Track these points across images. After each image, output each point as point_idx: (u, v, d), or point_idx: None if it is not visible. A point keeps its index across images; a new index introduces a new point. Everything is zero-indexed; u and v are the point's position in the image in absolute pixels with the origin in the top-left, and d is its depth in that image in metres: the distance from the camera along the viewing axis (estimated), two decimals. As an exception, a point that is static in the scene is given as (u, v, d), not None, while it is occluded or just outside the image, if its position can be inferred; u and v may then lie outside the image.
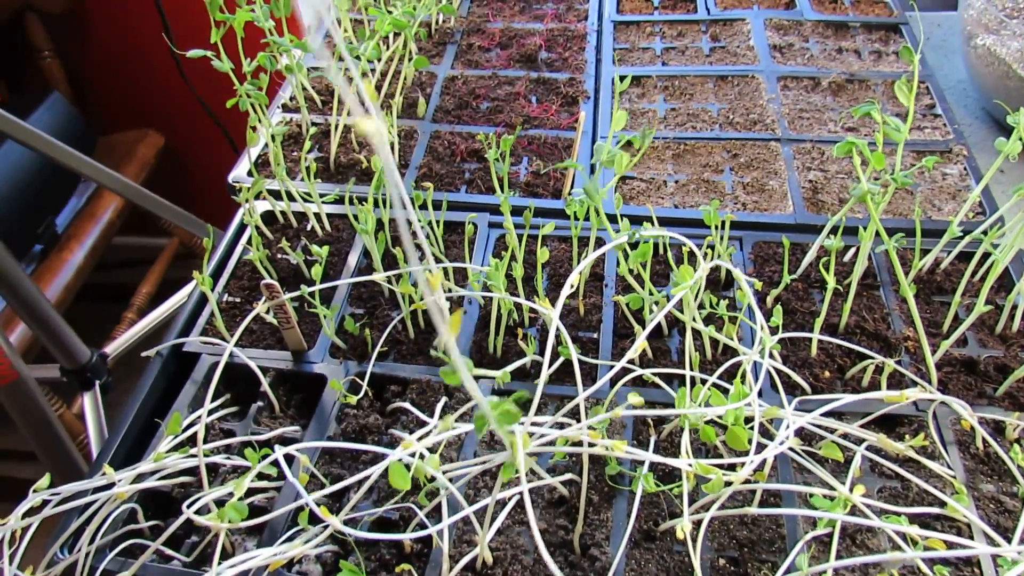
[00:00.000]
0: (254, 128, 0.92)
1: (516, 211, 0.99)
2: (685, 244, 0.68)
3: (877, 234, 0.73)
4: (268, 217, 1.01)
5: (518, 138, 1.10)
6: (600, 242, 0.89)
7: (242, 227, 0.99)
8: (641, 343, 0.63)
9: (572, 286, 0.56)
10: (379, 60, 1.16)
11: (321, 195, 0.99)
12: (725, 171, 1.03)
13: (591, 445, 0.57)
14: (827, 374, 0.80)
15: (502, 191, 0.79)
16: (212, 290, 0.88)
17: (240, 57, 0.94)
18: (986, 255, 0.88)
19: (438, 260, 0.87)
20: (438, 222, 0.92)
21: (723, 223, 0.85)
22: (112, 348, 1.39)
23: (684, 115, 1.12)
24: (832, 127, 1.08)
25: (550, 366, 0.78)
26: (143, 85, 2.42)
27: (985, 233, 0.83)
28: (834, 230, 0.84)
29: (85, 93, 2.60)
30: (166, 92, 2.27)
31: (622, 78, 1.16)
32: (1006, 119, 0.77)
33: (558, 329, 0.65)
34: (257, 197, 0.96)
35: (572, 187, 1.01)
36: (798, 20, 1.28)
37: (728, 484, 0.59)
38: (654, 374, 0.70)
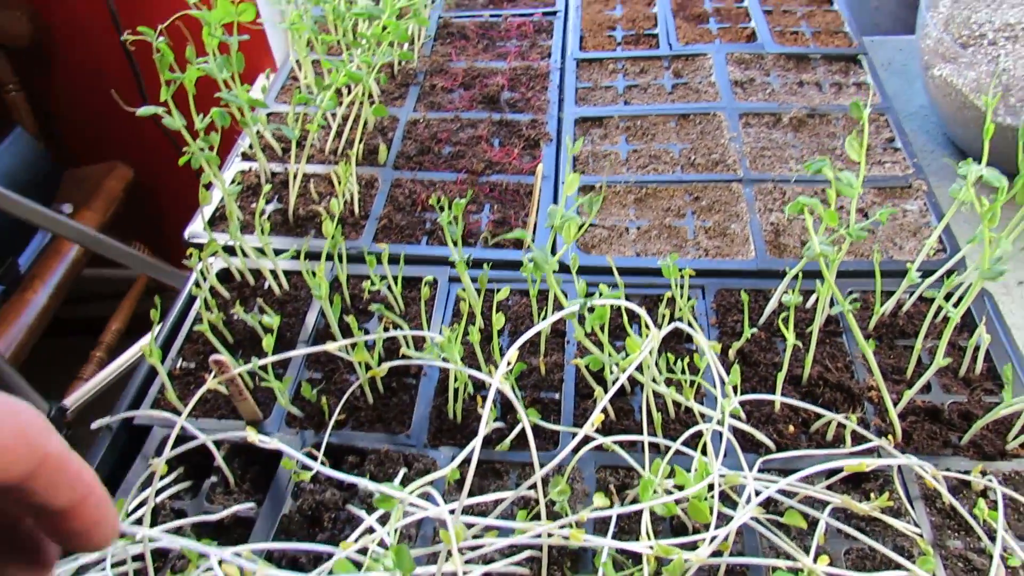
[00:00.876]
0: (207, 186, 0.90)
1: (478, 264, 0.97)
2: (641, 307, 0.67)
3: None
4: (225, 274, 0.99)
5: (480, 185, 1.09)
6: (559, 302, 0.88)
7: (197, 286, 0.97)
8: (598, 416, 0.62)
9: (510, 363, 0.55)
10: (339, 105, 1.15)
11: (278, 251, 0.97)
12: (687, 215, 1.02)
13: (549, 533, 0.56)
14: (792, 428, 0.79)
15: (456, 253, 0.78)
16: (163, 360, 0.86)
17: (192, 111, 0.92)
18: (948, 295, 0.88)
19: (396, 326, 0.85)
20: (396, 278, 0.91)
21: (683, 274, 0.84)
22: (71, 401, 1.36)
23: (646, 156, 1.11)
24: (793, 165, 1.08)
25: (510, 432, 0.77)
26: (110, 118, 2.39)
27: (942, 281, 0.83)
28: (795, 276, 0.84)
29: (51, 126, 2.57)
30: (134, 124, 2.24)
31: (579, 125, 1.16)
32: (963, 158, 0.77)
33: (516, 395, 0.64)
34: (213, 254, 0.94)
35: (534, 239, 0.99)
36: (759, 53, 1.28)
37: (688, 560, 0.58)
38: (615, 442, 0.69)
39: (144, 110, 0.86)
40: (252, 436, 0.61)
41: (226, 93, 0.89)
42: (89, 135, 2.67)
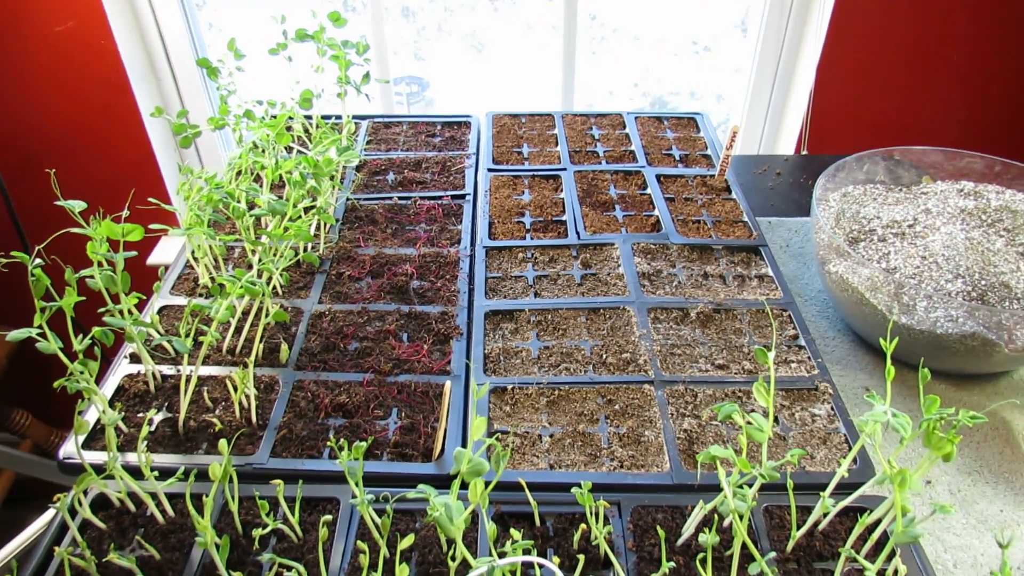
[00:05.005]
0: (81, 412, 0.83)
1: (382, 480, 0.92)
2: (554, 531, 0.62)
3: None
4: (102, 499, 0.90)
5: (387, 386, 1.05)
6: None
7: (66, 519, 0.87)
8: None
9: None
10: (235, 314, 1.10)
11: (165, 472, 0.89)
12: (600, 420, 1.00)
13: None
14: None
15: (359, 493, 0.72)
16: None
17: (70, 331, 0.86)
18: (863, 509, 0.87)
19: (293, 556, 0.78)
20: (292, 504, 0.84)
21: (598, 505, 0.81)
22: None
23: (558, 354, 1.10)
24: (703, 364, 1.08)
25: None
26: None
27: (860, 514, 0.82)
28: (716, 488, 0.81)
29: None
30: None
31: (489, 319, 1.13)
32: (864, 347, 0.77)
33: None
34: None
35: (443, 448, 0.95)
36: (664, 244, 1.32)
37: None
38: None
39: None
40: None
41: (110, 318, 0.84)
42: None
